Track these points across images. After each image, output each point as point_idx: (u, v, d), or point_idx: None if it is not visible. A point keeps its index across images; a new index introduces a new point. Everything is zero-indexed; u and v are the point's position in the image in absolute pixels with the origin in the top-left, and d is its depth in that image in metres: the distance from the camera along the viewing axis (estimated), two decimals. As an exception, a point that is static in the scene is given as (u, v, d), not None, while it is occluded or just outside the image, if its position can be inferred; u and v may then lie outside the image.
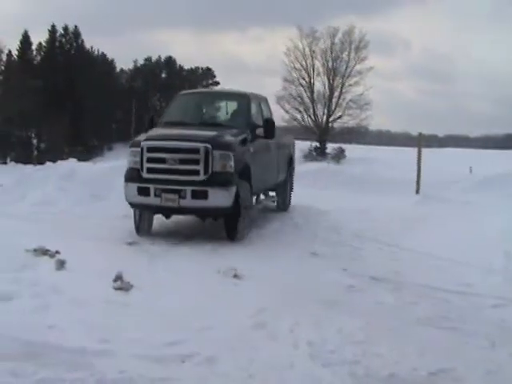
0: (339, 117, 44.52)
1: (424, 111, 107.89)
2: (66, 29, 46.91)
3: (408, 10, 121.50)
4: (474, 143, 56.39)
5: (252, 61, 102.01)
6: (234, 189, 7.83)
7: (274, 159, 10.17)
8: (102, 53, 50.87)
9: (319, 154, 40.51)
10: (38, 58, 46.53)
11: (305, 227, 9.50)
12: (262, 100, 10.45)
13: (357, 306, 5.45)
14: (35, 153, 39.65)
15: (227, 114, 10.26)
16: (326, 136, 43.56)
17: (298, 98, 44.57)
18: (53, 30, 46.57)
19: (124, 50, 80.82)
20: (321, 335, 4.56)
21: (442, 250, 7.64)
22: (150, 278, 5.83)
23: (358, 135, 46.50)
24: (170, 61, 53.98)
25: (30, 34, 45.43)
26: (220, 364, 3.94)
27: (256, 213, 10.24)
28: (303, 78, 44.61)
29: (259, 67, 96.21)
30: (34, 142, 41.97)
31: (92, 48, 49.18)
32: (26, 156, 34.62)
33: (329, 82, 44.34)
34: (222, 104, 10.61)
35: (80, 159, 15.39)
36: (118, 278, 5.48)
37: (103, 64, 49.51)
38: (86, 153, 37.87)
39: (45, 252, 6.23)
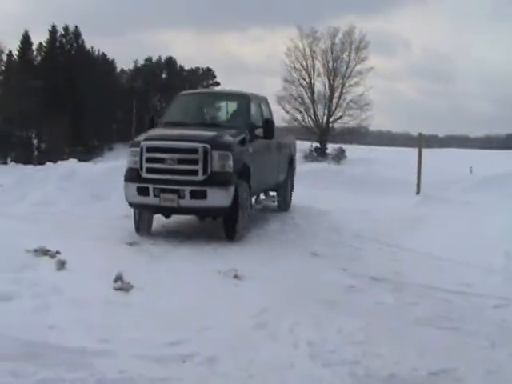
0: (340, 117, 44.58)
1: (424, 111, 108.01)
2: (66, 29, 46.93)
3: (408, 10, 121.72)
4: (475, 143, 56.44)
5: (252, 61, 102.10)
6: (232, 189, 7.85)
7: (274, 159, 10.19)
8: (103, 53, 50.93)
9: (320, 154, 40.52)
10: (39, 58, 46.53)
11: (305, 227, 9.51)
12: (262, 100, 10.46)
13: (357, 306, 5.45)
14: (35, 153, 39.62)
15: (227, 114, 10.30)
16: (327, 136, 43.59)
17: (299, 99, 44.63)
18: (53, 31, 46.58)
19: (124, 51, 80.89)
20: (321, 335, 4.56)
21: (443, 250, 7.64)
22: (151, 278, 5.83)
23: (359, 135, 46.55)
24: (170, 61, 53.99)
25: (30, 34, 45.49)
26: (220, 364, 3.95)
27: (256, 213, 10.25)
28: (303, 79, 44.68)
29: (259, 67, 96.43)
30: (35, 142, 41.94)
31: (92, 48, 49.23)
32: (27, 156, 34.59)
33: (329, 82, 44.40)
34: (222, 104, 10.64)
35: (80, 159, 15.41)
36: (119, 278, 5.48)
37: (104, 64, 49.51)
38: (87, 153, 37.86)
39: (45, 252, 6.23)
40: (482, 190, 13.65)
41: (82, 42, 47.54)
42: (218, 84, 53.91)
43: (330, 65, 44.44)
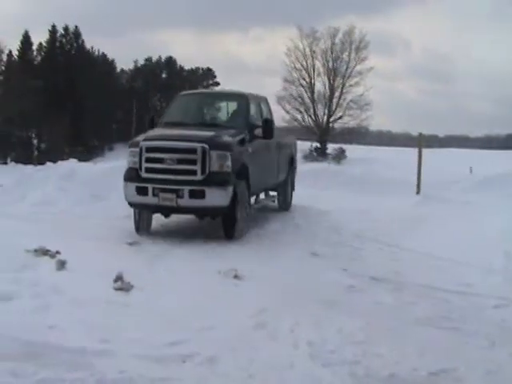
0: (340, 117, 44.64)
1: (424, 111, 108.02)
2: (66, 29, 47.00)
3: (408, 10, 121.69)
4: (475, 143, 56.44)
5: (252, 61, 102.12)
6: (231, 188, 7.89)
7: (273, 159, 10.21)
8: (103, 53, 51.01)
9: (320, 154, 40.56)
10: (39, 58, 46.60)
11: (305, 227, 9.51)
12: (261, 100, 10.48)
13: (357, 306, 5.45)
14: (35, 153, 39.67)
15: (226, 114, 10.34)
16: (327, 136, 43.64)
17: (299, 99, 44.69)
18: (53, 31, 46.63)
19: (124, 51, 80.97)
20: (321, 335, 4.56)
21: (442, 250, 7.65)
22: (151, 278, 5.83)
23: (359, 135, 46.59)
24: (170, 61, 54.04)
25: (30, 34, 45.59)
26: (220, 364, 3.95)
27: (256, 212, 10.26)
28: (304, 79, 44.73)
29: (260, 67, 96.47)
30: (35, 142, 42.01)
31: (92, 48, 49.32)
32: (27, 156, 34.63)
33: (329, 82, 44.45)
34: (222, 104, 10.69)
35: (80, 159, 15.43)
36: (119, 278, 5.48)
37: (104, 64, 49.57)
38: (87, 153, 37.91)
39: (45, 252, 6.23)
40: (482, 189, 13.65)
41: (82, 41, 47.65)
42: (218, 84, 54.02)
43: (330, 65, 44.54)
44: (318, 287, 6.01)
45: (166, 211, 8.40)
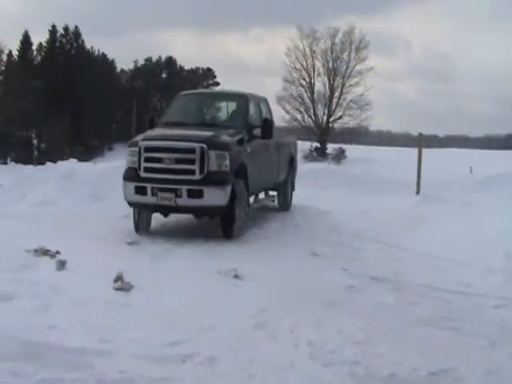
0: (340, 117, 44.67)
1: (424, 111, 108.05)
2: (66, 29, 47.02)
3: (408, 10, 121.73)
4: (475, 143, 56.43)
5: (252, 61, 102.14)
6: (229, 188, 7.93)
7: (273, 159, 10.24)
8: (103, 53, 51.03)
9: (320, 154, 40.57)
10: (39, 58, 46.62)
11: (305, 227, 9.52)
12: (261, 100, 10.51)
13: (357, 306, 5.45)
14: (35, 153, 39.68)
15: (226, 114, 10.38)
16: (327, 136, 43.65)
17: (299, 99, 44.72)
18: (53, 31, 46.64)
19: (124, 50, 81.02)
20: (321, 335, 4.56)
21: (443, 250, 7.65)
22: (151, 278, 5.83)
23: (359, 135, 46.61)
24: (170, 61, 54.06)
25: (30, 34, 45.62)
26: (220, 364, 3.94)
27: (256, 212, 10.27)
28: (303, 79, 44.76)
29: (260, 67, 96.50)
30: (35, 142, 42.02)
31: (92, 48, 49.34)
32: (27, 156, 34.64)
33: (329, 82, 44.47)
34: (221, 104, 10.74)
35: (80, 159, 15.44)
36: (119, 278, 5.48)
37: (104, 64, 49.58)
38: (87, 153, 37.93)
39: (45, 252, 6.24)
40: (482, 190, 13.66)
41: (82, 41, 47.67)
42: (218, 84, 54.06)
43: (330, 65, 44.57)
44: (318, 287, 6.01)
45: (165, 210, 8.44)
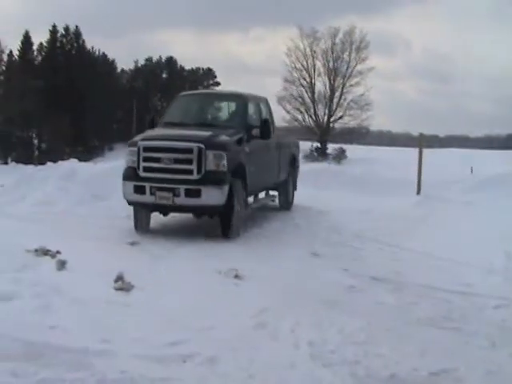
0: (340, 117, 44.62)
1: (425, 111, 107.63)
2: (66, 29, 46.95)
3: (408, 10, 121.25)
4: (476, 143, 56.36)
5: (253, 61, 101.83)
6: (226, 188, 7.99)
7: (273, 159, 10.29)
8: (103, 53, 50.93)
9: (320, 154, 40.53)
10: (39, 58, 46.56)
11: (305, 227, 9.52)
12: (261, 101, 10.55)
13: (357, 306, 5.46)
14: (36, 153, 39.69)
15: (225, 114, 10.46)
16: (327, 136, 43.61)
17: (299, 99, 44.66)
18: (54, 31, 46.59)
19: (125, 51, 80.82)
20: (321, 335, 4.57)
21: (443, 250, 7.66)
22: (151, 278, 5.84)
23: (359, 136, 46.52)
24: (170, 61, 54.01)
25: (30, 34, 45.51)
26: (221, 364, 3.95)
27: (256, 212, 10.28)
28: (304, 79, 44.71)
29: (260, 67, 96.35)
30: (35, 142, 42.02)
31: (93, 48, 49.23)
32: (27, 156, 34.65)
33: (330, 82, 44.43)
34: (221, 105, 10.82)
35: (81, 159, 15.44)
36: (119, 278, 5.49)
37: (104, 64, 49.52)
38: (87, 153, 37.94)
39: (46, 252, 6.24)
40: (483, 190, 13.64)
41: (83, 42, 47.60)
42: (218, 84, 54.01)
43: (331, 65, 44.51)
44: (319, 287, 6.01)
45: (163, 209, 8.53)
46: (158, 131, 9.12)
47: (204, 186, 7.89)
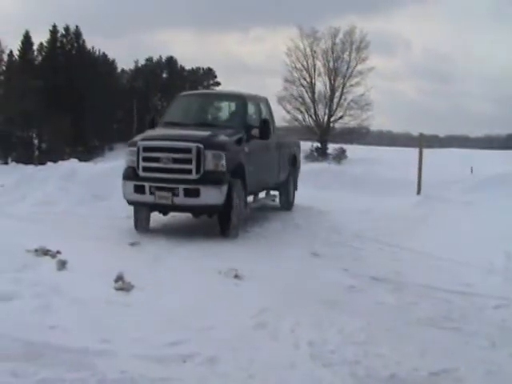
0: (340, 117, 44.62)
1: (425, 111, 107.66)
2: (67, 29, 47.00)
3: (409, 10, 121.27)
4: (476, 143, 56.34)
5: (253, 61, 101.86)
6: (225, 187, 8.02)
7: (273, 159, 10.31)
8: (103, 53, 51.00)
9: (320, 154, 40.53)
10: (39, 58, 46.62)
11: (305, 227, 9.52)
12: (261, 101, 10.57)
13: (357, 306, 5.46)
14: (36, 153, 39.71)
15: (225, 114, 10.51)
16: (327, 136, 43.61)
17: (299, 99, 44.65)
18: (54, 31, 46.62)
19: (125, 50, 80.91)
20: (321, 335, 4.57)
21: (443, 250, 7.66)
22: (151, 278, 5.84)
23: (359, 135, 46.51)
24: (171, 61, 54.04)
25: (31, 34, 45.60)
26: (221, 364, 3.95)
27: (256, 212, 10.28)
28: (304, 79, 44.70)
29: (260, 67, 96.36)
30: (35, 142, 42.06)
31: (93, 48, 49.30)
32: (27, 156, 34.66)
33: (330, 82, 44.42)
34: (220, 105, 10.87)
35: (81, 159, 15.45)
36: (119, 278, 5.49)
37: (104, 64, 49.56)
38: (87, 153, 37.96)
39: (46, 252, 6.24)
40: (483, 190, 13.64)
41: (83, 42, 47.64)
42: (218, 84, 54.06)
43: (331, 65, 44.51)
44: (319, 287, 6.01)
45: (162, 209, 8.57)
46: (157, 131, 9.16)
47: (203, 185, 7.92)
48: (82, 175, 11.67)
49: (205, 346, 4.16)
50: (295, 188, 11.73)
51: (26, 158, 30.98)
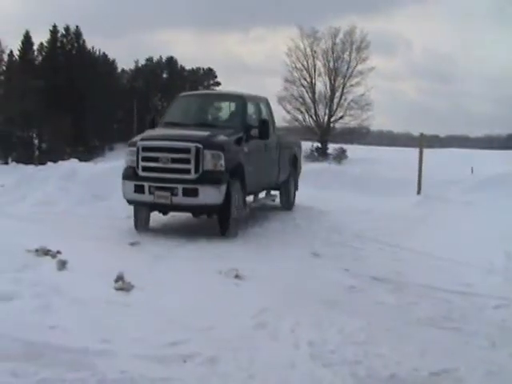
0: (341, 117, 44.53)
1: (425, 111, 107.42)
2: (67, 29, 46.94)
3: (409, 10, 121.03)
4: (476, 143, 56.30)
5: (253, 61, 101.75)
6: (224, 187, 8.06)
7: (273, 159, 10.34)
8: (104, 53, 50.92)
9: (320, 154, 40.48)
10: (40, 58, 46.56)
11: (306, 227, 9.53)
12: (261, 101, 10.60)
13: (358, 306, 5.46)
14: (36, 153, 39.67)
15: (224, 115, 10.55)
16: (328, 136, 43.56)
17: (300, 99, 44.57)
18: (54, 31, 46.58)
19: (125, 50, 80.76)
20: (322, 335, 4.57)
21: (443, 250, 7.66)
22: (152, 278, 5.84)
23: (360, 136, 46.47)
24: (171, 61, 54.00)
25: (31, 34, 45.50)
26: (221, 364, 3.95)
27: (256, 212, 10.28)
28: (304, 79, 44.62)
29: (260, 67, 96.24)
30: (36, 142, 42.01)
31: (93, 48, 49.21)
32: (28, 156, 34.64)
33: (330, 82, 44.35)
34: (220, 105, 10.91)
35: (81, 159, 15.47)
36: (120, 278, 5.49)
37: (104, 64, 49.52)
38: (88, 153, 37.94)
39: (46, 252, 6.25)
40: (483, 190, 13.64)
41: (83, 42, 47.57)
42: (218, 84, 54.00)
43: (331, 65, 44.42)
44: (319, 287, 6.01)
45: (161, 208, 8.60)
46: (157, 131, 9.20)
47: (201, 185, 7.96)
48: (82, 175, 11.68)
49: (205, 345, 4.16)
50: (296, 188, 11.74)
51: (27, 158, 30.97)
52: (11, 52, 44.27)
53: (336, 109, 44.27)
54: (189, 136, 8.42)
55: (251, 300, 5.38)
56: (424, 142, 15.13)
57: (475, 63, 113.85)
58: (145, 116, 34.53)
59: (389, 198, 12.76)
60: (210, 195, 7.99)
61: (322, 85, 44.56)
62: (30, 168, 14.23)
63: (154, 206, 8.45)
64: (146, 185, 8.14)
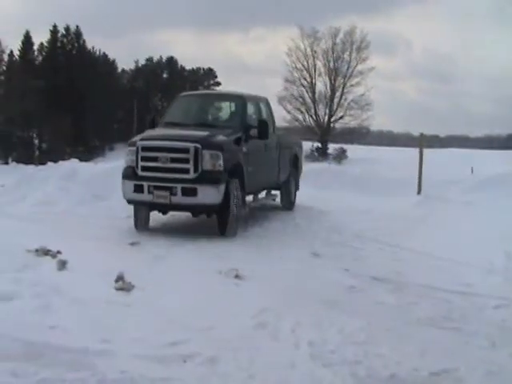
0: (341, 117, 44.59)
1: (425, 111, 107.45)
2: (67, 29, 47.00)
3: (409, 10, 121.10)
4: (476, 143, 56.29)
5: (253, 61, 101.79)
6: (222, 187, 8.09)
7: (273, 159, 10.35)
8: (104, 53, 50.99)
9: (321, 154, 40.50)
10: (40, 58, 46.62)
11: (306, 227, 9.53)
12: (261, 101, 10.62)
13: (358, 306, 5.46)
14: (37, 153, 39.72)
15: (224, 115, 10.59)
16: (328, 136, 43.60)
17: (300, 99, 44.63)
18: (54, 31, 46.63)
19: (125, 50, 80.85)
20: (322, 335, 4.57)
21: (443, 250, 7.66)
22: (152, 278, 5.84)
23: (360, 136, 46.50)
24: (171, 61, 54.03)
25: (31, 34, 45.61)
26: (221, 364, 3.95)
27: (257, 212, 10.29)
28: (305, 79, 44.67)
29: (261, 67, 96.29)
30: (36, 142, 42.07)
31: (93, 48, 49.29)
32: (28, 156, 34.70)
33: (330, 82, 44.40)
34: (220, 105, 10.95)
35: (81, 159, 15.48)
36: (120, 278, 5.49)
37: (105, 64, 49.57)
38: (88, 153, 37.98)
39: (46, 252, 6.24)
40: (483, 190, 13.63)
41: (83, 41, 47.65)
42: (219, 84, 54.04)
43: (331, 65, 44.48)
44: (319, 287, 6.01)
45: (161, 208, 8.63)
46: (157, 131, 9.24)
47: (200, 184, 7.99)
48: (82, 175, 11.69)
49: (205, 345, 4.16)
50: (297, 188, 11.75)
51: (27, 158, 31.03)
52: (11, 52, 44.44)
53: (336, 109, 44.34)
54: (188, 136, 8.45)
55: (251, 300, 5.37)
56: (424, 142, 15.13)
57: (475, 63, 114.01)
58: (145, 116, 34.53)
59: (389, 198, 12.76)
60: (208, 195, 8.03)
61: (322, 85, 44.67)
62: (30, 168, 14.25)
63: (153, 206, 8.47)
64: (146, 184, 8.17)
